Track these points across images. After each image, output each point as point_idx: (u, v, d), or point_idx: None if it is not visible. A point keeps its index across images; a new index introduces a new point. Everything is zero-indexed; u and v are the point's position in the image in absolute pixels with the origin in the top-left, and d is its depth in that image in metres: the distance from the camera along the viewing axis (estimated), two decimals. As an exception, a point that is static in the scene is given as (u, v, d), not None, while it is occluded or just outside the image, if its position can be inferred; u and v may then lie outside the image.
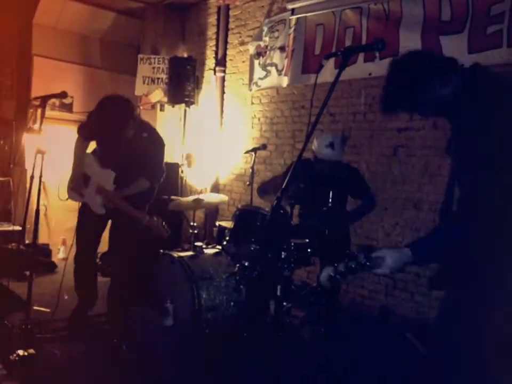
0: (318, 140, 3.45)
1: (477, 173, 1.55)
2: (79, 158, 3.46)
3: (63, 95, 3.14)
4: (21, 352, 2.68)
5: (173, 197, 3.99)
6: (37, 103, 3.23)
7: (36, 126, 3.86)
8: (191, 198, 3.78)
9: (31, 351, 2.78)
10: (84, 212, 3.52)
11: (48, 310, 3.64)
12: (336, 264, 1.66)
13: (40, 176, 2.96)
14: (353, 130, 4.42)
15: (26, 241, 5.09)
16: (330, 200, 3.10)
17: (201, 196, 3.69)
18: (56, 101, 6.16)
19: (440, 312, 1.82)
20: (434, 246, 1.65)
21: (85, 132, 3.49)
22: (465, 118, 1.62)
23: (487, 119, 1.55)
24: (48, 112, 5.64)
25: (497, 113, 1.55)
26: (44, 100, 3.08)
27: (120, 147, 3.29)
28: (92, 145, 3.64)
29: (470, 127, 1.58)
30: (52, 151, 3.89)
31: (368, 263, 1.61)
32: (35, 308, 3.50)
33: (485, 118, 1.56)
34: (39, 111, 3.11)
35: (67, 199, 3.53)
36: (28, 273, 3.50)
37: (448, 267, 1.78)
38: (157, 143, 3.47)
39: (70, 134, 6.51)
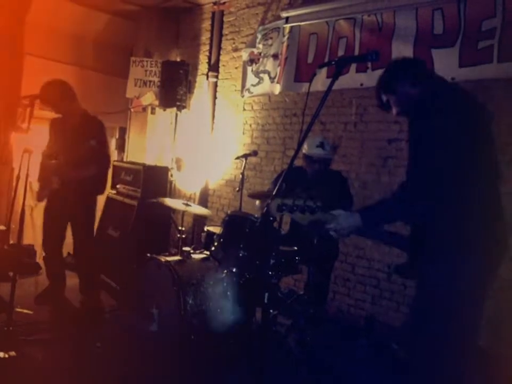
0: (308, 141, 3.52)
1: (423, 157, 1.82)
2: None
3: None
4: (1, 354, 2.63)
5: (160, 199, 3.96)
6: (26, 102, 3.21)
7: (25, 125, 3.82)
8: (179, 201, 3.75)
9: (12, 353, 2.74)
10: (49, 203, 3.74)
11: (31, 312, 3.58)
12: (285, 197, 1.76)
13: (27, 176, 2.93)
14: (344, 139, 4.44)
15: (11, 242, 5.01)
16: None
17: (189, 203, 3.67)
18: (46, 101, 6.11)
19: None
20: (383, 209, 1.87)
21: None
22: (419, 121, 1.91)
23: (436, 126, 1.82)
24: (38, 112, 5.60)
25: (444, 123, 1.81)
26: (33, 99, 3.05)
27: (70, 138, 3.66)
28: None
29: (422, 129, 1.88)
30: (40, 151, 3.86)
31: (316, 208, 1.72)
32: (18, 309, 3.44)
33: (433, 125, 1.83)
34: (28, 110, 3.09)
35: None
36: (11, 274, 3.45)
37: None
38: (102, 139, 3.83)
39: (59, 135, 6.49)
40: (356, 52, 4.19)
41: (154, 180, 4.79)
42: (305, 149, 3.52)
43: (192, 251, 3.65)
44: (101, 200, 4.40)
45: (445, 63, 3.51)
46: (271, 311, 3.07)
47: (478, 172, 1.79)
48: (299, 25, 4.74)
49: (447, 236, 1.78)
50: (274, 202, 1.75)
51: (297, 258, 3.24)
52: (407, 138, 1.99)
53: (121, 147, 6.96)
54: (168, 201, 3.81)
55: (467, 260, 1.74)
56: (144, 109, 6.52)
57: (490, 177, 1.87)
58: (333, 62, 1.94)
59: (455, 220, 1.77)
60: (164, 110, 6.12)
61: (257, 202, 3.73)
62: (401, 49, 3.81)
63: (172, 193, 5.76)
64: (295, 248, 3.27)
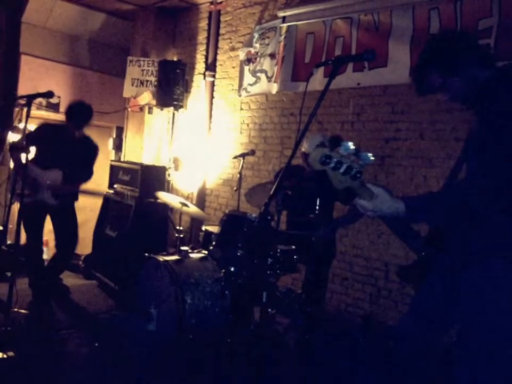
0: (309, 140, 3.52)
1: (500, 158, 1.53)
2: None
3: (49, 94, 3.13)
4: (0, 354, 2.63)
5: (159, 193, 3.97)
6: (23, 101, 3.20)
7: (22, 125, 3.81)
8: (177, 199, 3.76)
9: (11, 353, 2.74)
10: (30, 208, 3.68)
11: (27, 312, 3.58)
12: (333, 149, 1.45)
13: (24, 176, 2.92)
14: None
15: (8, 242, 5.01)
16: (317, 207, 3.11)
17: (187, 202, 3.67)
18: (43, 100, 6.11)
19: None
20: (429, 203, 1.60)
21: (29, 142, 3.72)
22: (497, 106, 1.60)
23: None
24: (35, 112, 5.60)
25: None
26: (30, 98, 3.05)
27: (67, 151, 3.84)
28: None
29: (503, 114, 1.56)
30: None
31: (359, 174, 1.42)
32: (15, 309, 3.44)
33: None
34: (25, 110, 3.08)
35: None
36: (9, 274, 3.45)
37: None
38: (95, 153, 4.11)
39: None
40: (353, 51, 4.20)
41: (152, 180, 4.79)
42: (305, 147, 3.52)
43: (190, 250, 3.66)
44: (98, 200, 4.40)
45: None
46: (269, 310, 3.08)
47: None
48: (296, 25, 4.74)
49: (496, 237, 1.58)
50: (319, 151, 1.44)
51: (295, 257, 3.24)
52: (468, 132, 1.75)
53: (118, 147, 6.95)
54: (166, 198, 3.82)
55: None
56: (141, 108, 6.51)
57: None
58: (330, 62, 1.94)
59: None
60: (161, 110, 6.11)
61: None
62: (398, 49, 3.83)
63: (170, 193, 5.76)
64: (293, 247, 3.28)
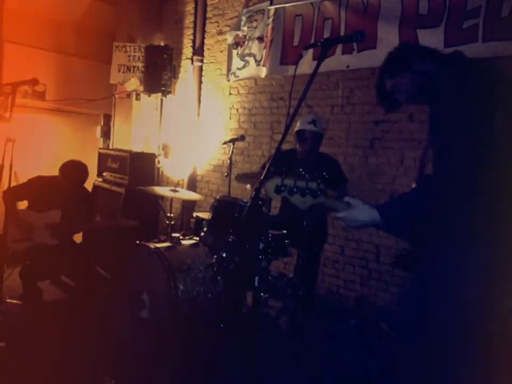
0: (301, 119, 3.58)
1: (454, 145, 1.58)
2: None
3: (33, 82, 3.08)
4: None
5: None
6: (7, 90, 3.14)
7: (7, 114, 3.76)
8: (167, 188, 3.73)
9: (2, 344, 2.73)
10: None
11: (20, 302, 3.57)
12: (284, 176, 1.53)
13: (11, 166, 2.89)
14: (331, 122, 4.44)
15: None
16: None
17: (177, 189, 3.65)
18: (28, 89, 6.00)
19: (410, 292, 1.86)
20: (402, 205, 1.63)
21: (21, 195, 3.78)
22: (445, 98, 1.66)
23: (465, 99, 1.59)
24: (20, 100, 5.50)
25: (474, 95, 1.59)
26: (14, 87, 2.99)
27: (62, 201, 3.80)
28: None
29: (450, 105, 1.63)
30: (24, 139, 3.80)
31: (319, 192, 1.50)
32: (7, 300, 3.43)
33: (463, 98, 1.60)
34: (10, 98, 3.03)
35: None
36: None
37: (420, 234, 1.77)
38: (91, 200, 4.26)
39: (43, 123, 6.39)
40: (342, 34, 4.16)
41: (141, 167, 4.76)
42: (297, 126, 3.54)
43: (181, 237, 3.65)
44: (88, 188, 4.36)
45: (431, 43, 3.45)
46: (261, 294, 3.09)
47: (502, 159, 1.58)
48: (284, 7, 4.69)
49: (454, 222, 1.62)
50: (272, 182, 1.53)
51: (286, 241, 3.25)
52: (429, 124, 1.78)
53: (106, 134, 6.88)
54: (155, 189, 3.79)
55: (475, 245, 1.60)
56: (129, 95, 6.43)
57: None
58: (319, 44, 1.91)
59: (468, 209, 1.58)
60: (149, 96, 6.05)
61: (248, 186, 3.73)
62: (387, 30, 3.80)
63: (160, 180, 5.73)
64: (285, 231, 3.29)
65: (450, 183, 1.55)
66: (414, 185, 2.07)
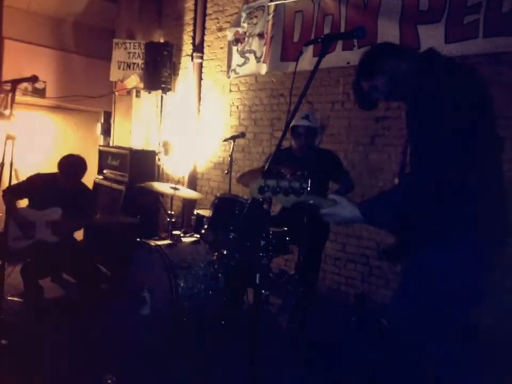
0: (296, 115, 3.51)
1: (429, 140, 1.62)
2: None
3: (33, 79, 3.07)
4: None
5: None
6: (7, 87, 3.14)
7: (7, 111, 3.75)
8: (167, 185, 3.73)
9: (4, 341, 2.73)
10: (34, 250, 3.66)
11: (21, 300, 3.57)
12: (267, 179, 1.62)
13: (11, 163, 2.88)
14: (332, 119, 4.43)
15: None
16: (309, 188, 3.10)
17: (178, 186, 3.65)
18: (28, 86, 6.00)
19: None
20: (384, 205, 1.68)
21: (20, 193, 3.75)
22: (419, 93, 1.69)
23: (438, 94, 1.63)
24: (20, 98, 5.50)
25: (446, 92, 1.63)
26: (14, 84, 2.98)
27: (62, 198, 3.77)
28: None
29: (424, 100, 1.66)
30: (25, 137, 3.80)
31: (301, 190, 1.58)
32: (8, 298, 3.43)
33: (436, 93, 1.64)
34: (10, 95, 3.02)
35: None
36: (0, 262, 3.41)
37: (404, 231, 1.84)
38: (93, 199, 4.22)
39: (43, 120, 6.39)
40: (342, 30, 4.15)
41: (141, 164, 4.75)
42: (292, 122, 3.52)
43: (182, 235, 3.65)
44: (88, 185, 4.36)
45: (431, 39, 3.48)
46: (262, 291, 3.10)
47: (484, 155, 1.65)
48: (284, 3, 4.67)
49: (444, 218, 1.67)
50: (256, 183, 1.62)
51: (287, 238, 3.25)
52: (406, 122, 1.82)
53: (107, 131, 6.88)
54: (156, 186, 3.78)
55: (467, 240, 1.65)
56: (129, 92, 6.43)
57: (495, 155, 1.73)
58: (319, 40, 1.90)
59: (455, 203, 1.64)
60: (149, 93, 6.03)
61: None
62: (387, 26, 3.78)
63: (160, 177, 5.73)
64: (286, 228, 3.28)
65: (427, 183, 1.59)
66: (396, 181, 2.14)
